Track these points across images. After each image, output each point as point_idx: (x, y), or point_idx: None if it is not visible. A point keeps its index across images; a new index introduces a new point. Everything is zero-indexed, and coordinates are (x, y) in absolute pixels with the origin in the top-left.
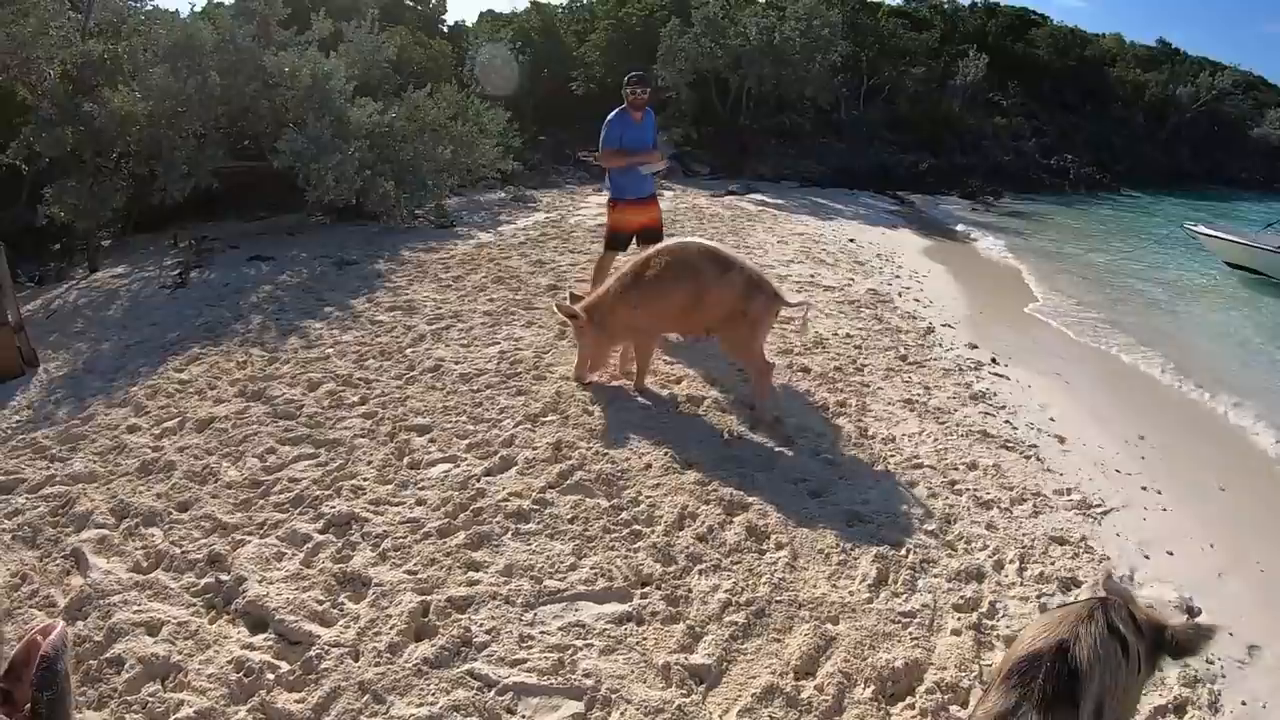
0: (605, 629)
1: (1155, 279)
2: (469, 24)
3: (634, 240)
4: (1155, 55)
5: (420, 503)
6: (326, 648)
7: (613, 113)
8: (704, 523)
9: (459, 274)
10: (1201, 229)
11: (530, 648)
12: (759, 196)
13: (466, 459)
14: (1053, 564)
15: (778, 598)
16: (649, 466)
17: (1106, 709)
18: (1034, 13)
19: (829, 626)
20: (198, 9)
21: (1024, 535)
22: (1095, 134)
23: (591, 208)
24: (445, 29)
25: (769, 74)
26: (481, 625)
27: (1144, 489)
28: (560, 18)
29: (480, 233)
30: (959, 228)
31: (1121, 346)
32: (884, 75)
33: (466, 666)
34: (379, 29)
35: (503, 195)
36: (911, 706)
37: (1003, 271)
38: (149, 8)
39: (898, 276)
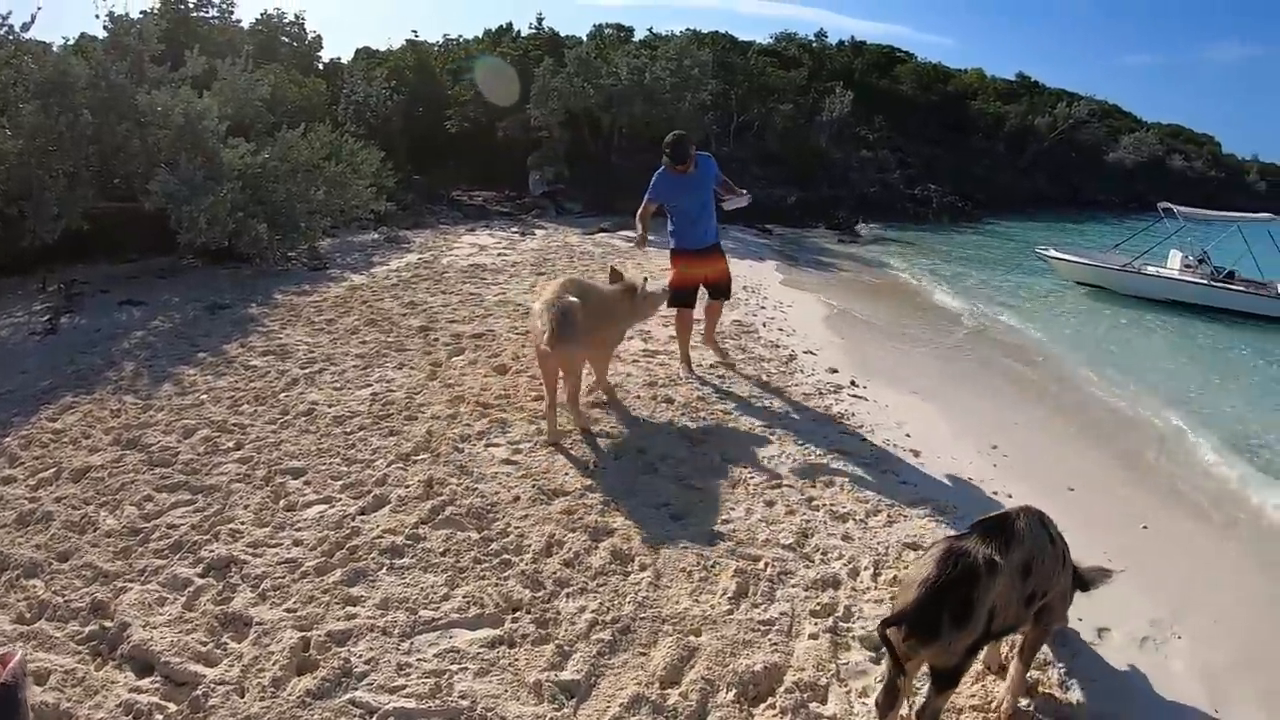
0: (479, 653)
1: (1009, 299)
2: (345, 61)
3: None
4: (1015, 88)
5: (297, 543)
6: (212, 686)
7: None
8: (570, 549)
9: (332, 317)
10: (1051, 252)
11: (408, 674)
12: (630, 233)
13: (341, 499)
14: (906, 569)
15: (642, 615)
16: (517, 499)
17: (1034, 571)
18: (899, 50)
19: (691, 638)
20: (70, 43)
21: (878, 544)
22: (958, 164)
23: (465, 248)
24: (321, 66)
25: (640, 112)
26: (361, 656)
27: (995, 494)
28: (435, 56)
29: (353, 274)
30: (825, 258)
31: (977, 363)
32: (753, 112)
33: (348, 696)
34: (253, 66)
35: (376, 236)
36: (773, 706)
37: (866, 297)
38: (24, 38)
39: (763, 307)
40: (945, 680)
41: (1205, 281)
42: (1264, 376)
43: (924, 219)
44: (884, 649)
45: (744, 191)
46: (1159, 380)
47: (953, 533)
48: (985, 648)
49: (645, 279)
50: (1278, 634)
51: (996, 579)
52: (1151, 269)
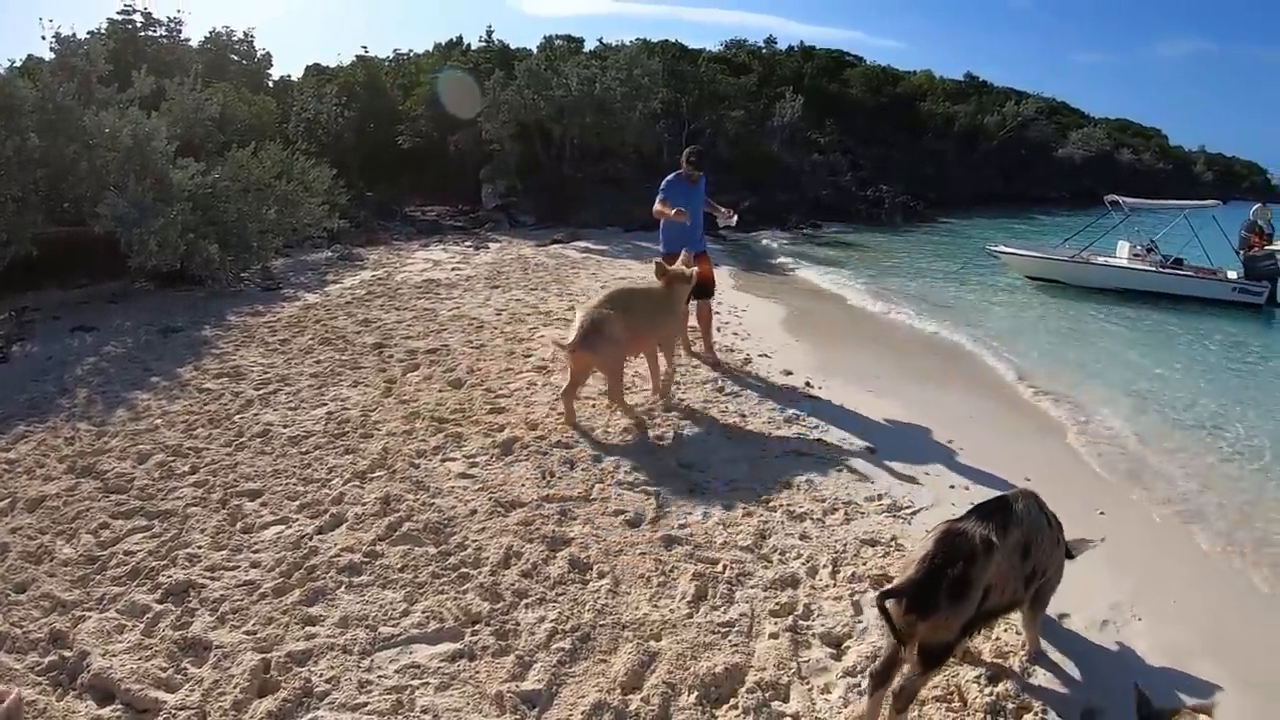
0: (440, 667)
1: (963, 295)
2: (295, 78)
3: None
4: (964, 88)
5: (255, 565)
6: (174, 712)
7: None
8: (528, 560)
9: (285, 336)
10: (1001, 248)
11: (370, 691)
12: (584, 244)
13: (298, 519)
14: (865, 564)
15: (602, 622)
16: (474, 512)
17: (1033, 552)
18: (848, 54)
19: (652, 643)
20: (15, 65)
21: (836, 541)
22: (909, 164)
23: (419, 263)
24: (271, 84)
25: (591, 123)
26: (322, 675)
27: (952, 487)
28: (386, 71)
29: (307, 293)
30: (779, 261)
31: (932, 360)
32: (705, 119)
33: (310, 716)
34: (202, 85)
35: (329, 254)
36: (735, 707)
37: (820, 299)
38: None
39: (717, 313)
40: (933, 659)
41: (1154, 269)
42: (1215, 359)
43: (877, 220)
44: (884, 624)
45: (729, 211)
46: (1111, 369)
47: (909, 527)
48: (977, 628)
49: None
50: (1236, 613)
51: (993, 559)
52: (1101, 259)
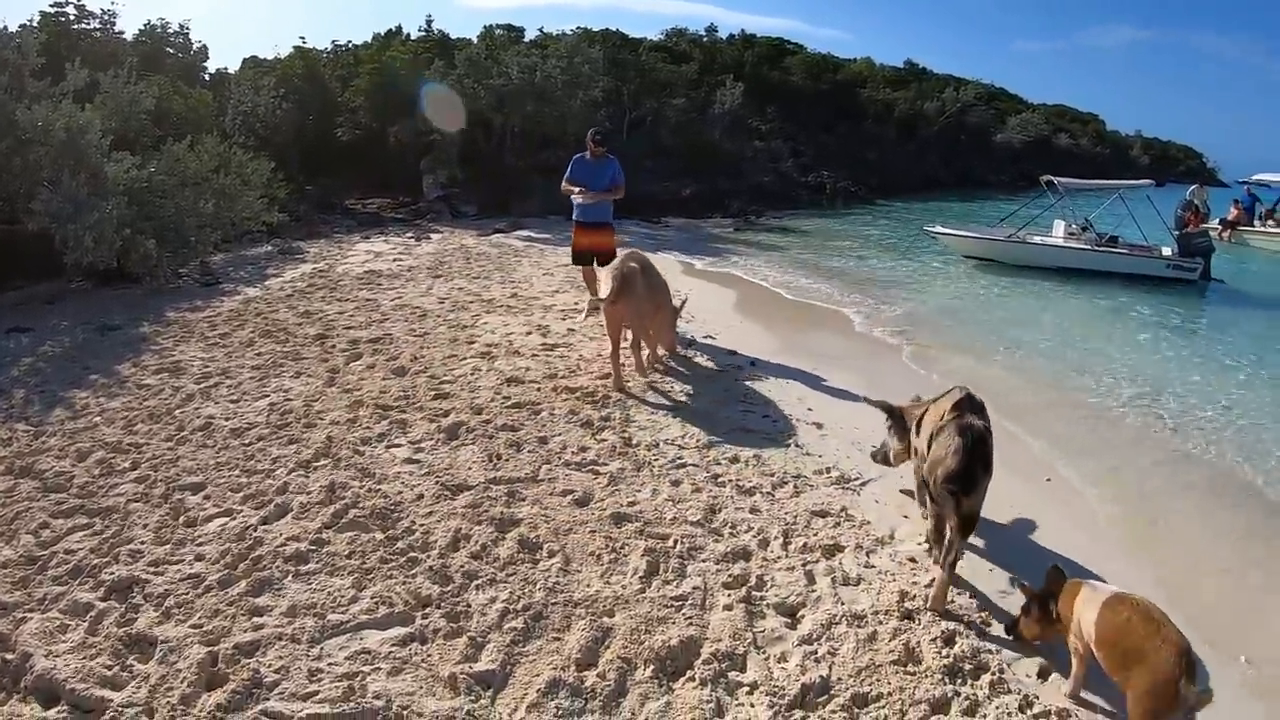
0: (390, 651)
1: (901, 276)
2: (232, 71)
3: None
4: (903, 75)
5: (199, 558)
6: (120, 710)
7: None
8: (477, 541)
9: (226, 331)
10: (939, 229)
11: (320, 680)
12: (526, 233)
13: (242, 510)
14: (815, 535)
15: (554, 600)
16: (421, 496)
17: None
18: (789, 42)
19: (605, 619)
20: None
21: (786, 514)
22: (850, 151)
23: (360, 255)
24: (207, 77)
25: (532, 112)
26: (270, 666)
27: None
28: (324, 63)
29: (247, 288)
30: (720, 246)
31: (876, 334)
32: (646, 107)
33: (260, 707)
34: (137, 78)
35: (269, 248)
36: (692, 679)
37: (763, 283)
38: None
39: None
40: (969, 525)
41: (1089, 247)
42: (1153, 333)
43: (819, 205)
44: (948, 504)
45: (613, 192)
46: (1049, 342)
47: (858, 498)
48: None
49: None
50: (1184, 570)
51: (991, 441)
52: (1037, 238)
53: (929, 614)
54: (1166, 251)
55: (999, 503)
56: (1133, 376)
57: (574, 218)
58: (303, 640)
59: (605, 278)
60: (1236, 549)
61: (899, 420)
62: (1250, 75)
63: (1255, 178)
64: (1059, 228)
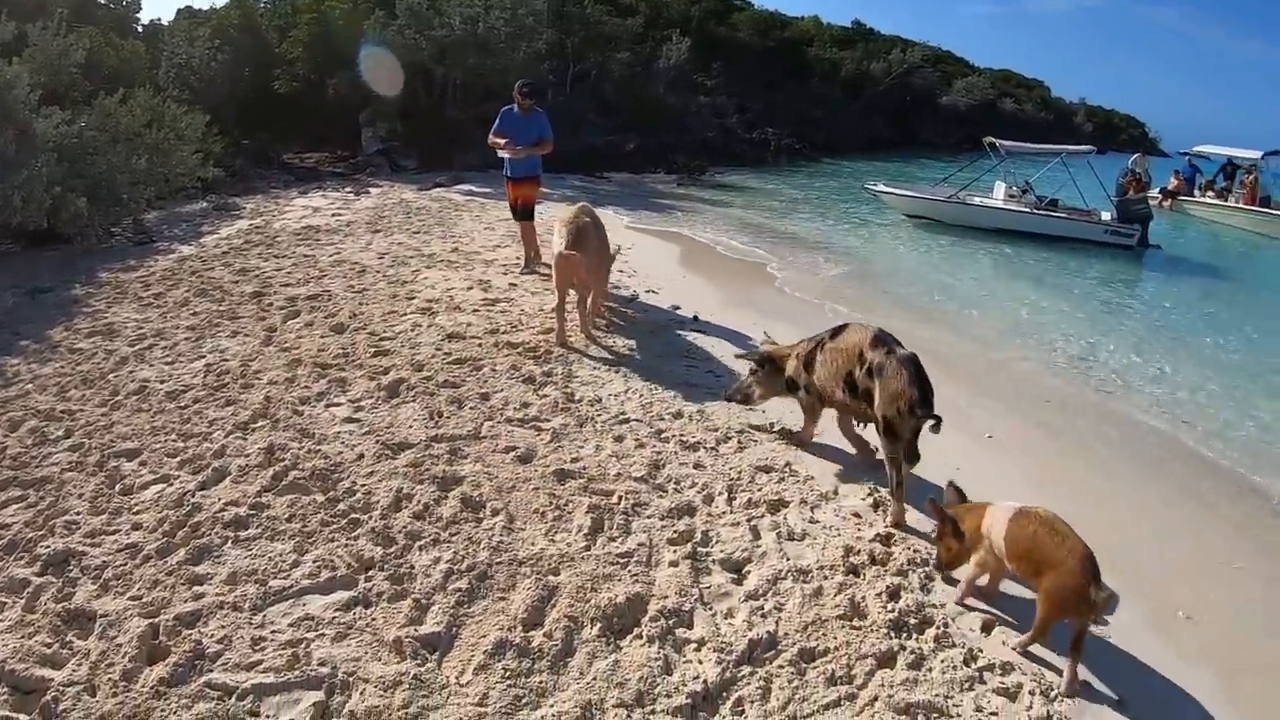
0: (334, 617)
1: (843, 233)
2: (166, 22)
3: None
4: (850, 35)
5: (137, 527)
6: (62, 689)
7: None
8: (420, 501)
9: (160, 290)
10: (881, 187)
11: (264, 648)
12: (467, 187)
13: (179, 476)
14: (760, 490)
15: (498, 559)
16: (361, 456)
17: None
18: None
19: (551, 578)
20: None
21: (731, 469)
22: (796, 108)
23: (298, 211)
24: (140, 29)
25: (474, 64)
26: (213, 636)
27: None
28: (262, 13)
29: (182, 245)
30: (663, 201)
31: (819, 291)
32: (590, 61)
33: (204, 679)
34: (67, 30)
35: (204, 205)
36: (639, 636)
37: (705, 238)
38: None
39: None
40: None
41: (1028, 210)
42: (1090, 296)
43: (763, 162)
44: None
45: (540, 148)
46: (987, 303)
47: (802, 453)
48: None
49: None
50: (1122, 529)
51: None
52: (977, 200)
53: (875, 567)
54: (1106, 217)
55: (942, 459)
56: (1069, 338)
57: (504, 172)
58: (245, 608)
59: (556, 230)
60: (1167, 500)
61: (772, 365)
62: (1192, 45)
63: (1196, 149)
64: (999, 189)
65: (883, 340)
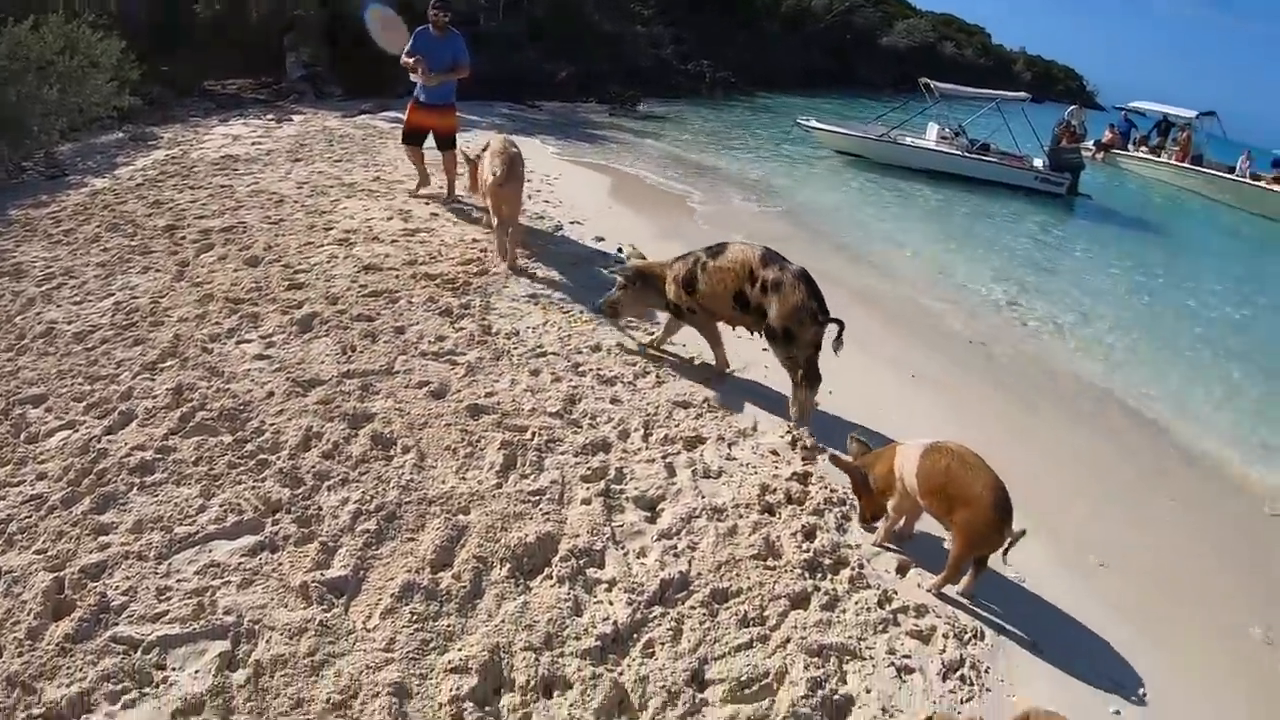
0: (240, 563)
1: (774, 166)
2: None
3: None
4: None
5: (41, 477)
6: None
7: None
8: (329, 440)
9: (70, 226)
10: (813, 123)
11: (169, 599)
12: (392, 114)
13: (85, 421)
14: (677, 426)
15: (407, 499)
16: (271, 394)
17: None
18: None
19: (460, 517)
20: None
21: (648, 405)
22: (733, 41)
23: (217, 139)
24: None
25: None
26: (118, 588)
27: (765, 349)
28: None
29: (95, 178)
30: (594, 132)
31: (746, 225)
32: None
33: (109, 633)
34: None
35: (120, 135)
36: (549, 577)
37: (635, 170)
38: None
39: (529, 181)
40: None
41: (960, 152)
42: (1018, 241)
43: (698, 94)
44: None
45: (456, 72)
46: (916, 243)
47: (721, 389)
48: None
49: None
50: (1042, 471)
51: None
52: (909, 140)
53: (791, 506)
54: (1038, 164)
55: (867, 397)
56: (997, 281)
57: (413, 95)
58: (150, 557)
59: (488, 160)
60: (1088, 444)
61: (643, 281)
62: (1134, 3)
63: (1132, 105)
64: (932, 131)
65: (773, 258)
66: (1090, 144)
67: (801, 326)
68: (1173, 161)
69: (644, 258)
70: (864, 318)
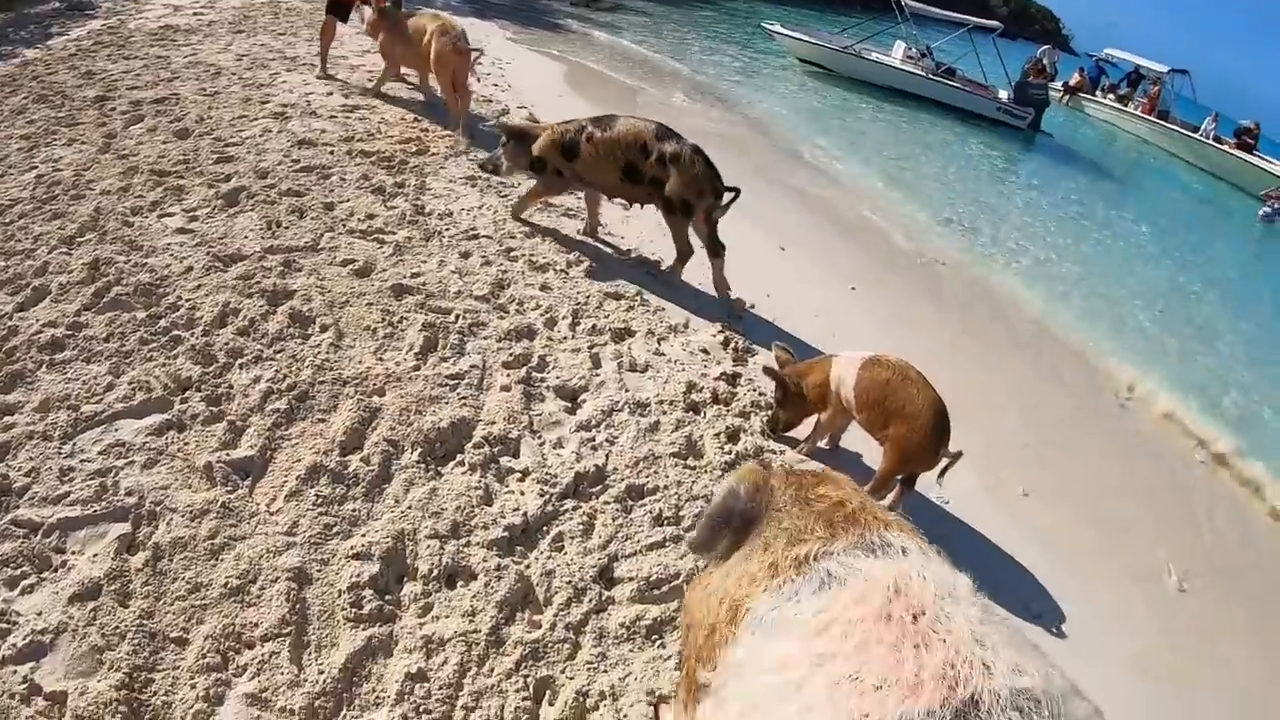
0: (145, 442)
1: (736, 69)
2: None
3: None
4: None
5: None
6: None
7: None
8: (246, 316)
9: None
10: (778, 28)
11: (71, 480)
12: None
13: None
14: (607, 317)
15: (321, 379)
16: (190, 269)
17: None
18: None
19: (374, 399)
20: None
21: (579, 293)
22: None
23: (157, 9)
24: None
25: None
26: (20, 469)
27: (703, 247)
28: None
29: (26, 49)
30: (556, 21)
31: (703, 123)
32: None
33: (9, 517)
34: None
35: (56, 4)
36: (461, 463)
37: (593, 62)
38: None
39: (480, 63)
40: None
41: (924, 74)
42: (976, 168)
43: None
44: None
45: None
46: (870, 158)
47: (655, 281)
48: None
49: None
50: (974, 394)
51: None
52: (874, 55)
53: (717, 406)
54: (1002, 95)
55: (806, 310)
56: (949, 203)
57: None
58: (55, 437)
59: (434, 32)
60: (1026, 373)
61: (519, 140)
62: None
63: (1106, 52)
64: (898, 49)
65: (667, 133)
66: (1059, 84)
67: (700, 197)
68: (1138, 113)
69: (536, 119)
70: (809, 226)
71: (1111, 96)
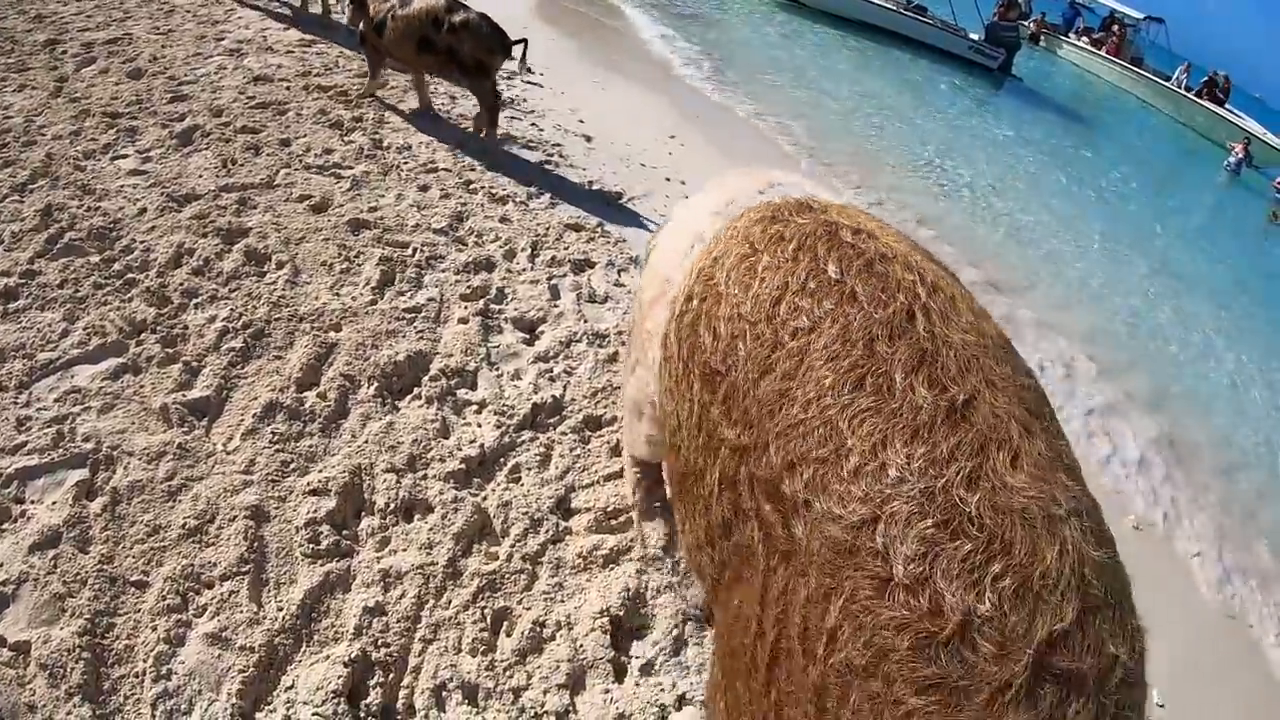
0: (101, 387)
1: (709, 4)
2: None
3: None
4: None
5: None
6: None
7: None
8: (201, 256)
9: None
10: None
11: (28, 429)
12: None
13: None
14: (566, 249)
15: (277, 316)
16: (144, 211)
17: None
18: None
19: (331, 334)
20: None
21: (539, 225)
22: None
23: None
24: None
25: None
26: None
27: (668, 179)
28: None
29: None
30: None
31: (668, 55)
32: None
33: None
34: None
35: None
36: (418, 396)
37: None
38: None
39: None
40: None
41: (895, 8)
42: (947, 107)
43: None
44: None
45: None
46: (837, 91)
47: (618, 213)
48: None
49: None
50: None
51: None
52: None
53: None
54: (974, 35)
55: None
56: (922, 140)
57: None
58: (10, 387)
59: None
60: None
61: (359, 5)
62: None
63: None
64: None
65: (457, 6)
66: (1030, 22)
67: (491, 55)
68: (1104, 54)
69: None
70: (774, 161)
71: (1085, 40)
